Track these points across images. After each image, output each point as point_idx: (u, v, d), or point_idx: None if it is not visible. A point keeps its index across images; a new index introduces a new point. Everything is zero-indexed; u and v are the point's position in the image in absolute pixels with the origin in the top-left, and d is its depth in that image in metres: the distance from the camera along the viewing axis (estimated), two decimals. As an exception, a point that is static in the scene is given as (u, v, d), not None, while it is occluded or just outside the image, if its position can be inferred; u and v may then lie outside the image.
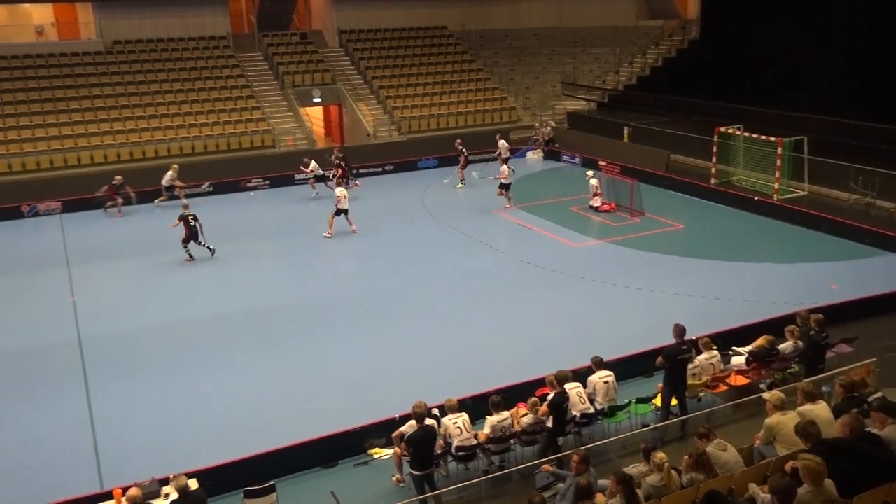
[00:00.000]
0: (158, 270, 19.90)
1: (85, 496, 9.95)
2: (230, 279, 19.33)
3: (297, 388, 13.64)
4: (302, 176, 28.42)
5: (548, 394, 11.03)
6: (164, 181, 26.65)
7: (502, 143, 28.62)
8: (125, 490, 9.09)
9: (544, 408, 10.55)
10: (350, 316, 16.81)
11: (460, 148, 28.12)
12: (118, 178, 25.77)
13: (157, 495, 9.56)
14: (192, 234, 20.18)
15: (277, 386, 13.75)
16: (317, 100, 34.67)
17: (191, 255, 20.32)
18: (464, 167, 28.21)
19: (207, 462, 10.44)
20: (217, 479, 9.99)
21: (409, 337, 15.55)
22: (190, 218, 20.09)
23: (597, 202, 23.98)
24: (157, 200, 26.64)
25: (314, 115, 37.19)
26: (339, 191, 22.44)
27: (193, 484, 9.24)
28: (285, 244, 22.64)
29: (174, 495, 9.37)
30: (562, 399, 10.57)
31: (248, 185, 29.10)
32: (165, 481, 9.78)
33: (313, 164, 27.42)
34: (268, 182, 29.36)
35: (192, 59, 34.02)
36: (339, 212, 22.10)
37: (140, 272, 19.88)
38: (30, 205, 25.68)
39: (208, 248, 20.53)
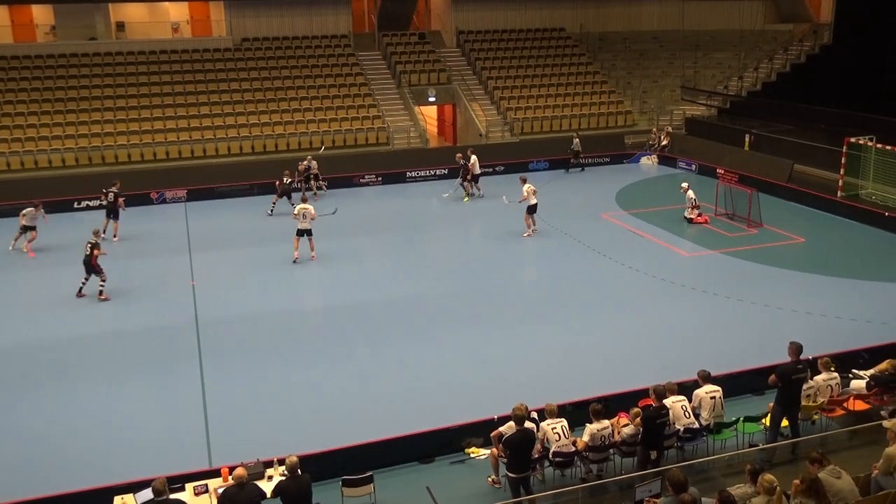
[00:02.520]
0: (275, 260, 20.60)
1: (194, 472, 10.40)
2: (341, 272, 19.82)
3: (399, 382, 13.84)
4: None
5: (651, 405, 10.79)
6: (301, 169, 27.51)
7: (474, 158, 26.76)
8: (232, 469, 9.47)
9: (638, 421, 10.31)
10: (455, 314, 16.90)
11: (461, 161, 26.87)
12: (287, 172, 25.91)
13: (261, 477, 9.91)
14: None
15: (380, 379, 14.00)
16: (432, 99, 35.07)
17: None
18: (467, 179, 26.70)
19: (309, 448, 10.73)
20: (318, 465, 10.27)
21: (512, 338, 15.51)
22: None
23: (691, 213, 23.10)
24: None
25: (428, 114, 37.65)
26: (300, 208, 20.29)
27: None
28: (396, 240, 22.99)
29: (277, 477, 9.73)
30: (656, 414, 10.29)
31: (361, 181, 29.76)
32: (270, 464, 10.15)
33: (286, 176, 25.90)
34: (380, 179, 29.95)
35: (313, 56, 35.09)
36: (300, 231, 20.24)
37: (258, 261, 20.64)
38: (158, 192, 27.11)
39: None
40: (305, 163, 27.47)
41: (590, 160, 31.75)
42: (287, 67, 34.12)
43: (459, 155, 27.47)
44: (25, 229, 22.19)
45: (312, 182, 27.59)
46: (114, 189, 23.04)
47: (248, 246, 22.03)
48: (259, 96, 32.45)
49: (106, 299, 18.03)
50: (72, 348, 15.56)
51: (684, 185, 23.69)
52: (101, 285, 18.18)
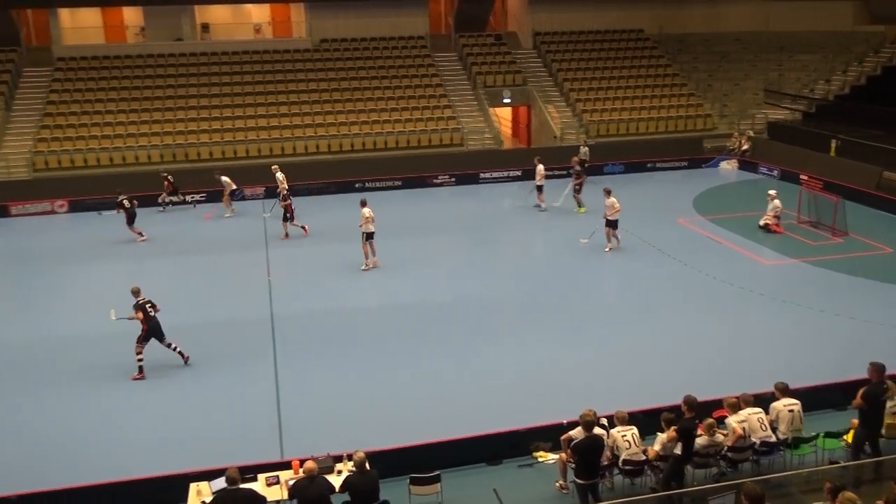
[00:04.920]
0: (350, 257, 20.90)
1: (266, 463, 10.62)
2: (413, 271, 19.96)
3: (468, 382, 13.84)
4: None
5: (725, 416, 10.52)
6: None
7: (541, 167, 25.38)
8: (302, 462, 9.65)
9: (671, 432, 10.04)
10: (525, 316, 16.81)
11: (575, 167, 25.77)
12: None
13: (330, 471, 10.06)
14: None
15: (449, 378, 14.03)
16: (507, 101, 35.00)
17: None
18: (578, 190, 25.40)
19: (378, 445, 10.83)
20: (386, 462, 10.34)
21: (582, 342, 15.34)
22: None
23: (769, 220, 22.33)
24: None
25: (503, 115, 37.59)
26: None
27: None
28: (468, 240, 23.01)
29: (346, 472, 9.85)
30: (692, 425, 10.01)
31: (435, 181, 29.92)
32: (339, 458, 10.29)
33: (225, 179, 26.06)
34: (453, 179, 30.06)
35: (390, 57, 35.45)
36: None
37: (333, 258, 20.95)
38: (238, 189, 27.82)
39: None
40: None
41: (666, 164, 31.18)
42: (364, 68, 34.57)
43: (575, 158, 26.34)
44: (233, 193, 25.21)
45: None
46: (125, 197, 23.15)
47: (324, 243, 22.38)
48: (336, 96, 32.97)
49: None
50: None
51: (772, 192, 22.72)
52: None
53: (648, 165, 31.09)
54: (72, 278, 20.30)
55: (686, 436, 9.99)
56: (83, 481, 10.62)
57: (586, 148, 29.45)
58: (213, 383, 14.08)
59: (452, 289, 18.57)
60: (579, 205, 25.09)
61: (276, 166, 25.05)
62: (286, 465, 10.35)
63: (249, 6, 37.40)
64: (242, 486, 9.22)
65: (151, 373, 14.44)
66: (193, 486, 9.92)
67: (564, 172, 28.02)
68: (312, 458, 9.73)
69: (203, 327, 16.61)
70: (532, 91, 34.82)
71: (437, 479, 10.04)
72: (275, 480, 10.00)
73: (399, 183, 29.58)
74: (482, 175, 30.29)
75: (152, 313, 14.35)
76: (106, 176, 28.50)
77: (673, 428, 10.06)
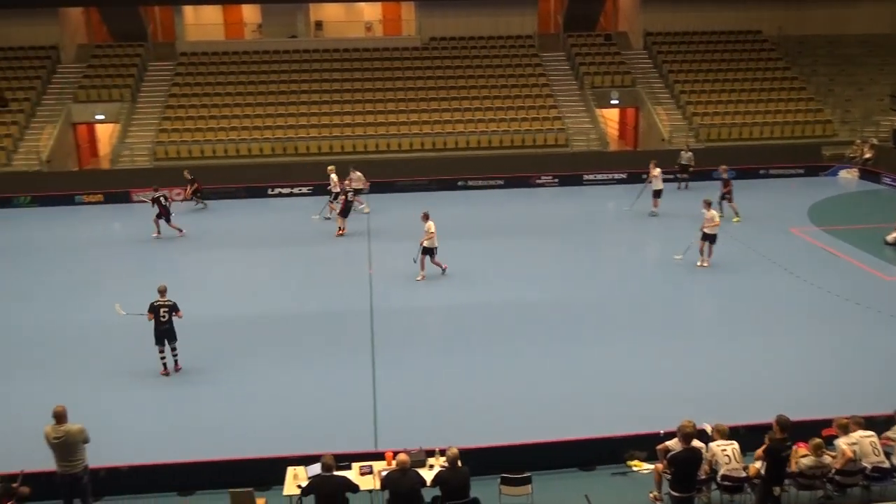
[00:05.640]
0: (449, 254, 21.02)
1: (360, 452, 10.81)
2: (512, 270, 19.93)
3: (565, 385, 13.69)
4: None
5: (834, 436, 10.01)
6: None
7: (658, 171, 24.42)
8: (396, 454, 9.77)
9: (759, 452, 9.56)
10: (625, 322, 16.49)
11: (724, 176, 24.43)
12: None
13: (423, 465, 10.14)
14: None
15: (545, 380, 13.91)
16: (614, 101, 34.42)
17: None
18: (729, 199, 24.03)
19: (471, 442, 10.85)
20: (478, 460, 10.35)
21: (684, 352, 14.90)
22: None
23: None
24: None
25: (609, 116, 36.98)
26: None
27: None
28: (569, 242, 22.76)
29: (438, 467, 9.91)
30: (781, 446, 9.51)
31: (538, 181, 29.74)
32: (432, 453, 10.36)
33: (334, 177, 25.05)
34: (557, 180, 29.80)
35: (497, 56, 35.45)
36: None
37: (444, 253, 21.14)
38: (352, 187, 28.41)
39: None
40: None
41: (780, 171, 29.95)
42: (471, 67, 34.72)
43: (724, 167, 24.72)
44: (357, 192, 24.78)
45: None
46: (162, 193, 23.38)
47: (407, 242, 22.53)
48: (443, 94, 33.24)
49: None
50: (256, 326, 16.69)
51: None
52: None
53: (761, 172, 29.91)
54: (188, 263, 21.29)
55: (774, 457, 9.55)
56: (188, 458, 11.11)
57: (690, 153, 28.59)
58: (312, 372, 14.43)
59: (551, 290, 18.40)
60: (735, 213, 23.85)
61: (331, 167, 25.13)
62: (379, 456, 10.50)
63: (362, 4, 38.20)
64: (337, 472, 9.44)
65: (252, 357, 14.96)
66: (290, 470, 10.19)
67: (671, 177, 27.33)
68: (405, 451, 9.84)
69: (304, 317, 17.08)
70: (641, 92, 34.10)
71: (528, 481, 9.97)
72: (368, 470, 10.16)
73: (501, 182, 29.55)
74: (586, 177, 29.91)
75: (165, 318, 13.83)
76: (221, 166, 29.76)
77: (762, 447, 9.67)
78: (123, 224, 25.80)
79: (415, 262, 19.20)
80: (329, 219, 24.61)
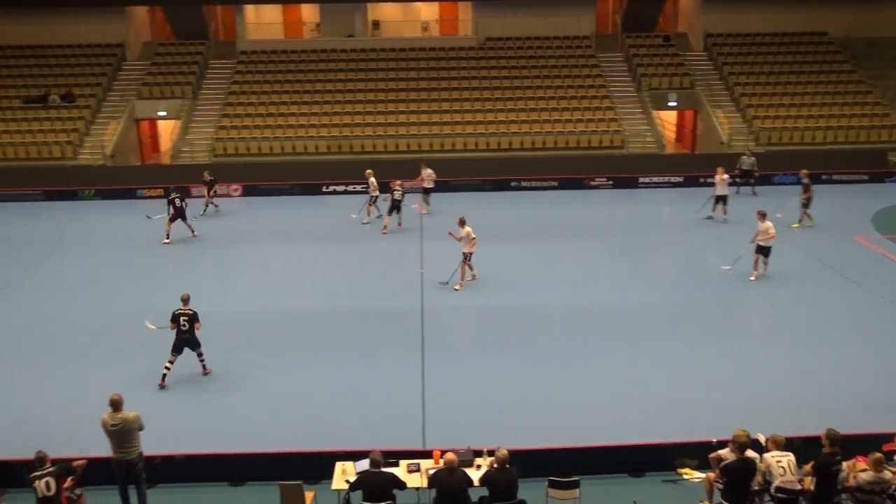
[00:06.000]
0: (497, 254, 21.02)
1: (408, 450, 10.87)
2: (563, 272, 19.81)
3: (615, 389, 13.56)
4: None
5: (895, 452, 9.70)
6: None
7: (724, 177, 24.08)
8: (443, 453, 9.79)
9: (807, 467, 9.27)
10: (677, 328, 16.24)
11: (805, 181, 23.54)
12: None
13: (470, 464, 10.13)
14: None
15: (595, 384, 13.80)
16: (672, 104, 33.90)
17: None
18: (806, 206, 23.32)
19: (519, 443, 10.80)
20: (526, 461, 10.30)
21: (739, 360, 14.62)
22: None
23: None
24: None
25: (667, 119, 36.43)
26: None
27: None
28: (620, 246, 22.51)
29: (486, 467, 9.90)
30: (830, 461, 9.21)
31: (592, 183, 29.47)
32: (480, 453, 10.35)
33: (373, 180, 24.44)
34: (611, 182, 29.49)
35: (553, 57, 35.23)
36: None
37: (481, 255, 21.13)
38: (401, 183, 28.57)
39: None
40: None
41: (844, 177, 29.13)
42: (527, 67, 34.56)
43: (805, 171, 23.81)
44: (427, 191, 25.22)
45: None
46: (177, 195, 22.65)
47: (495, 241, 22.55)
48: (497, 94, 33.17)
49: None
50: (307, 321, 16.90)
51: None
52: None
53: (823, 177, 29.08)
54: (237, 259, 21.74)
55: (823, 472, 9.28)
56: (238, 449, 11.33)
57: (753, 158, 27.89)
58: (362, 368, 14.55)
59: (602, 294, 18.22)
60: (809, 218, 23.32)
61: (369, 171, 24.63)
62: (427, 454, 10.53)
63: (419, 4, 38.36)
64: (384, 469, 9.50)
65: (304, 354, 15.14)
66: (339, 465, 10.29)
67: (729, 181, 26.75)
68: (453, 451, 9.85)
69: (355, 313, 17.24)
70: (700, 94, 33.52)
71: (576, 485, 9.89)
72: (415, 468, 10.21)
73: (555, 184, 29.36)
74: (641, 179, 29.53)
75: (185, 327, 13.64)
76: (276, 163, 30.22)
77: (811, 463, 9.41)
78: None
79: (449, 283, 18.57)
80: (367, 223, 24.28)
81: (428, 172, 25.66)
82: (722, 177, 23.98)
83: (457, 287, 18.40)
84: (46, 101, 32.42)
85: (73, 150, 30.69)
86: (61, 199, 28.27)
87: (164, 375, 13.81)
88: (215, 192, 26.90)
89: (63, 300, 18.35)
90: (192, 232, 23.14)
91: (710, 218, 24.29)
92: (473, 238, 18.22)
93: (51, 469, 9.54)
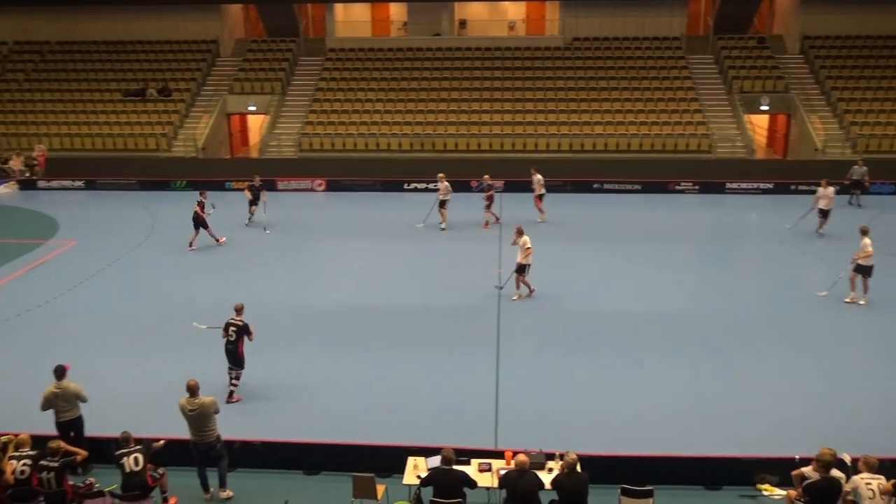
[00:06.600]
0: (580, 257, 20.81)
1: (480, 449, 10.88)
2: (649, 277, 19.50)
3: (691, 399, 13.26)
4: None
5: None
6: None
7: (830, 190, 22.54)
8: (515, 454, 9.76)
9: (888, 485, 8.88)
10: (762, 338, 15.74)
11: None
12: None
13: (541, 467, 10.07)
14: None
15: (671, 391, 13.52)
16: (765, 108, 32.82)
17: None
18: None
19: (591, 449, 10.69)
20: (598, 467, 10.18)
21: (827, 376, 14.08)
22: None
23: None
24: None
25: (758, 123, 35.31)
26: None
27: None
28: (706, 253, 21.96)
29: (557, 470, 9.82)
30: (826, 485, 8.88)
31: (677, 188, 28.84)
32: (551, 456, 10.27)
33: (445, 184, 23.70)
34: (697, 187, 28.79)
35: (642, 58, 34.60)
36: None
37: (560, 256, 20.98)
38: (477, 182, 28.58)
39: None
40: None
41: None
42: (614, 68, 34.06)
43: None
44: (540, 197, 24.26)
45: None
46: (202, 199, 21.77)
47: (556, 241, 22.40)
48: (583, 95, 32.81)
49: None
50: (386, 316, 17.11)
51: None
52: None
53: (852, 192, 27.57)
54: (334, 252, 22.16)
55: (819, 496, 8.88)
56: (314, 439, 11.57)
57: (864, 168, 26.46)
58: (437, 365, 14.65)
59: (684, 301, 17.85)
60: None
61: (441, 174, 24.14)
62: (499, 455, 10.53)
63: (506, 3, 38.29)
64: (456, 467, 9.53)
65: (382, 349, 15.33)
66: (411, 460, 10.39)
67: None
68: (525, 452, 9.81)
69: (433, 310, 17.36)
70: (794, 99, 32.35)
71: (649, 494, 9.70)
72: (487, 467, 10.21)
73: (638, 187, 28.86)
74: (728, 185, 28.71)
75: (232, 338, 12.96)
76: (361, 160, 30.70)
77: (892, 481, 8.96)
78: (267, 211, 26.96)
79: (499, 288, 18.16)
80: (444, 229, 23.78)
81: (538, 178, 24.39)
82: (827, 190, 22.46)
83: (514, 298, 17.80)
84: (144, 95, 33.82)
85: (167, 143, 31.91)
86: (155, 189, 29.43)
87: (231, 392, 13.17)
88: (259, 199, 24.20)
89: (149, 287, 19.11)
90: (217, 240, 22.08)
91: (820, 234, 22.77)
92: (528, 248, 17.47)
93: (139, 447, 9.98)
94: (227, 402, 12.91)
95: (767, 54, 34.28)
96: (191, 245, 21.74)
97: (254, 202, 24.22)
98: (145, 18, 36.39)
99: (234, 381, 13.19)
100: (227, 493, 10.80)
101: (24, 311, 17.33)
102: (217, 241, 22.14)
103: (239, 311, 13.15)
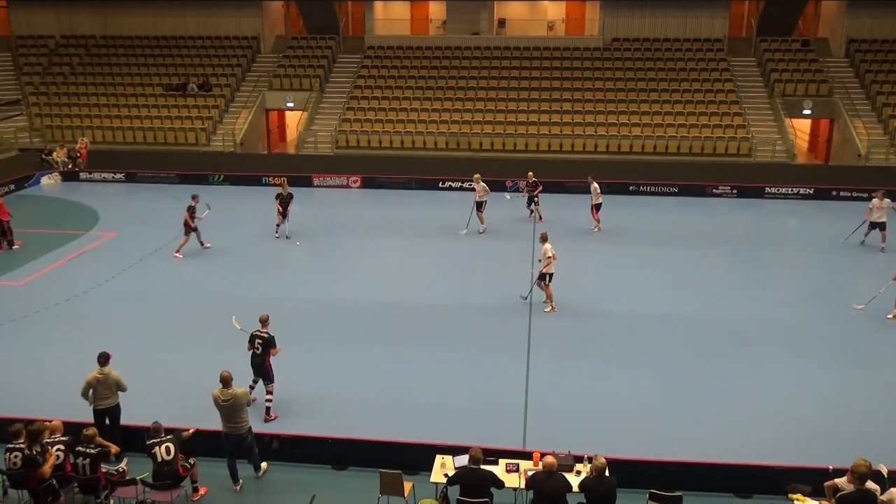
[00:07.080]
0: (612, 259, 20.65)
1: (508, 449, 10.85)
2: (680, 280, 19.33)
3: (723, 405, 13.09)
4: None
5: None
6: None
7: (887, 202, 21.33)
8: (543, 455, 9.72)
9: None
10: (795, 345, 15.51)
11: None
12: None
13: (569, 469, 10.02)
14: None
15: (703, 397, 13.37)
16: (807, 112, 32.25)
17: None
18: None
19: (620, 452, 10.61)
20: (626, 471, 10.10)
21: (864, 385, 13.81)
22: None
23: None
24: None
25: (800, 127, 34.73)
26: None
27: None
28: (743, 259, 21.64)
29: (585, 473, 9.76)
30: (860, 497, 8.56)
31: (714, 191, 28.48)
32: (580, 459, 10.22)
33: (482, 185, 23.22)
34: (735, 191, 28.39)
35: (682, 59, 34.23)
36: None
37: (596, 256, 20.87)
38: (513, 181, 28.54)
39: None
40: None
41: None
42: (654, 69, 33.74)
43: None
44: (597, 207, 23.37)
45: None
46: (193, 204, 21.01)
47: (589, 243, 22.28)
48: (621, 96, 32.54)
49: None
50: (417, 314, 17.16)
51: None
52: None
53: None
54: (367, 249, 22.24)
55: None
56: (344, 434, 11.64)
57: None
58: (468, 364, 14.66)
59: (719, 307, 17.62)
60: None
61: (477, 175, 23.72)
62: (527, 455, 10.50)
63: (546, 3, 38.14)
64: (483, 466, 9.52)
65: (413, 346, 15.37)
66: (439, 458, 10.40)
67: (864, 195, 25.25)
68: (553, 454, 9.77)
69: (465, 309, 17.37)
70: (838, 103, 31.74)
71: (679, 500, 9.61)
72: (514, 468, 10.18)
73: (675, 189, 28.56)
74: (768, 190, 28.29)
75: (259, 350, 12.38)
76: (397, 157, 30.80)
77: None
78: (302, 207, 27.15)
79: (524, 299, 17.82)
80: (482, 232, 23.44)
81: (594, 187, 23.59)
82: (882, 202, 21.28)
83: (547, 310, 17.27)
84: (185, 89, 34.30)
85: (206, 137, 32.33)
86: (193, 183, 29.82)
87: (268, 409, 12.55)
88: (288, 212, 22.68)
89: (185, 279, 19.44)
90: (203, 244, 21.39)
91: (863, 243, 22.04)
92: (550, 257, 16.93)
93: (170, 437, 10.13)
94: (265, 420, 12.32)
95: (811, 57, 33.70)
96: (178, 251, 20.87)
97: (283, 214, 22.57)
98: (188, 14, 36.97)
99: (267, 398, 12.51)
100: (263, 467, 11.12)
101: (63, 301, 17.70)
102: (202, 245, 21.39)
103: (264, 322, 12.53)
